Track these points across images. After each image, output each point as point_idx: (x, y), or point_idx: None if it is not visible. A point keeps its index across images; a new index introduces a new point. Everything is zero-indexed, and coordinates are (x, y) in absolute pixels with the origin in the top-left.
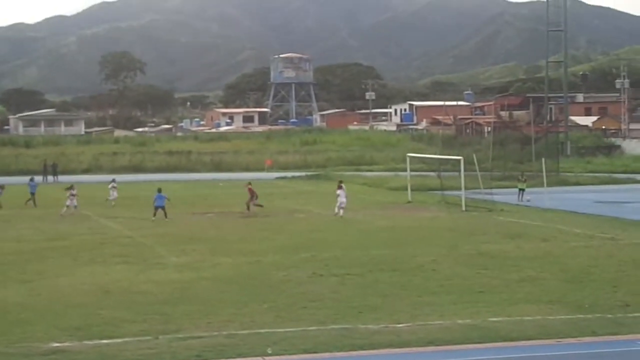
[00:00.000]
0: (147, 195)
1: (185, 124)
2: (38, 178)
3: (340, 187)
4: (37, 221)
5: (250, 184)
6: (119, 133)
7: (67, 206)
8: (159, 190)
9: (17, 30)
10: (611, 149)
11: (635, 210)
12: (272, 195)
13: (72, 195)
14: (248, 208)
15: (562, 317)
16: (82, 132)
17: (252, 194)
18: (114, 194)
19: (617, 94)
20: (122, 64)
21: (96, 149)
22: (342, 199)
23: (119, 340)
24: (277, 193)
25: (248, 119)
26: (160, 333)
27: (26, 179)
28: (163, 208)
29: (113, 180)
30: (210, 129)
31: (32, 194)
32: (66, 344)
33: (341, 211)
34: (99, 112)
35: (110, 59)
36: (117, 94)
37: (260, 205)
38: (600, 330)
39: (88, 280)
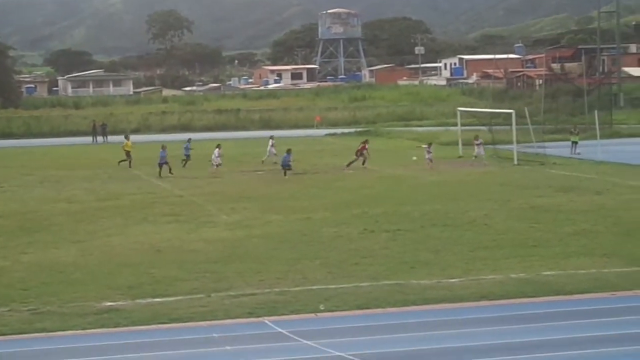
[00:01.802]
0: (199, 154)
1: (233, 82)
2: (87, 139)
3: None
4: (87, 182)
5: (367, 141)
6: (167, 92)
7: (217, 165)
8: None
9: None
10: None
11: None
12: (321, 152)
13: (219, 153)
14: (363, 163)
15: (617, 270)
16: (131, 92)
17: (362, 152)
18: (273, 151)
19: None
20: (169, 23)
21: (145, 108)
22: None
23: (171, 298)
24: (326, 150)
25: (296, 76)
26: (212, 291)
27: (76, 139)
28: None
29: (271, 137)
30: (258, 87)
31: (187, 155)
32: (119, 302)
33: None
34: (147, 72)
35: (157, 18)
36: (165, 53)
37: (362, 163)
38: None
39: (139, 240)
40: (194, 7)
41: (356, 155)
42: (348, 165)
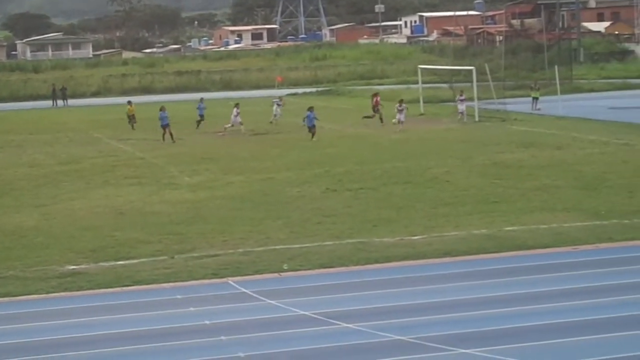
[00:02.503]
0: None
1: (193, 43)
2: (47, 102)
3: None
4: (47, 146)
5: (377, 94)
6: (127, 55)
7: (234, 124)
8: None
9: None
10: (625, 55)
11: None
12: (283, 112)
13: (237, 113)
14: (381, 119)
15: (578, 224)
16: (90, 55)
17: (377, 107)
18: (278, 111)
19: None
20: None
21: (105, 71)
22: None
23: (135, 260)
24: (288, 110)
25: (257, 36)
26: (175, 253)
27: (36, 103)
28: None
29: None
30: (218, 48)
31: (201, 115)
32: (82, 266)
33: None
34: (106, 34)
35: None
36: (124, 15)
37: (369, 117)
38: (617, 235)
39: (102, 203)
40: None
41: (374, 110)
42: (365, 117)
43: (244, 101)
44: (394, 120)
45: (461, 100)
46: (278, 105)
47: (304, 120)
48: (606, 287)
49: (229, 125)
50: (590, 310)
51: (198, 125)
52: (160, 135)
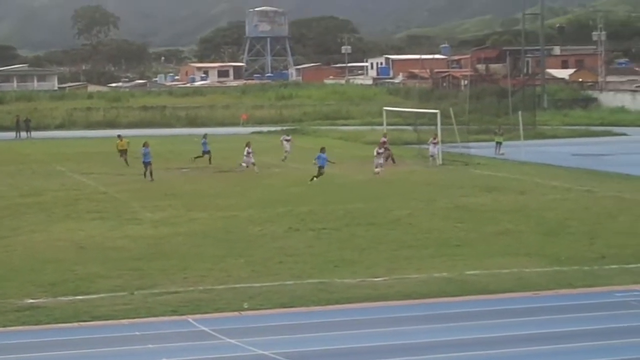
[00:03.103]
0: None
1: (159, 78)
2: (10, 134)
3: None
4: (10, 177)
5: (385, 135)
6: (92, 88)
7: (248, 164)
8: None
9: None
10: (588, 102)
11: (612, 163)
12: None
13: (249, 153)
14: (392, 159)
15: (539, 269)
16: (56, 88)
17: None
18: (288, 147)
19: (594, 47)
20: (95, 19)
21: (70, 104)
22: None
23: (94, 295)
24: (253, 148)
25: (223, 73)
26: (135, 288)
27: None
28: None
29: (287, 134)
30: (185, 84)
31: (208, 151)
32: (41, 300)
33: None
34: (72, 67)
35: (83, 13)
36: (91, 49)
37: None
38: (577, 282)
39: (63, 237)
40: (121, 3)
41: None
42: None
43: (209, 139)
44: (376, 170)
45: (434, 144)
46: (287, 141)
47: (315, 160)
48: (565, 333)
49: (244, 165)
50: (548, 357)
51: (210, 161)
52: (142, 172)
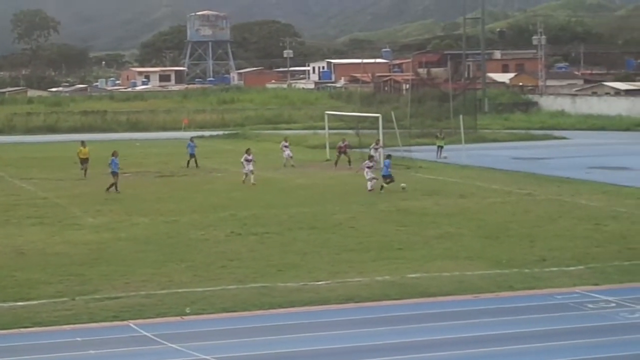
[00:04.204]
0: (62, 156)
1: (100, 83)
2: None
3: None
4: None
5: (344, 140)
6: (32, 93)
7: (247, 173)
8: (114, 154)
9: None
10: (528, 106)
11: (552, 166)
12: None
13: (248, 160)
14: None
15: (480, 272)
16: None
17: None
18: (288, 153)
19: (534, 51)
20: (35, 23)
21: (9, 109)
22: None
23: (35, 302)
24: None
25: (165, 78)
26: (76, 294)
27: None
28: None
29: (285, 140)
30: (125, 89)
31: (191, 155)
32: None
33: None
34: (12, 72)
35: (23, 18)
36: (31, 53)
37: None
38: (518, 284)
39: (2, 242)
40: (61, 7)
41: (343, 153)
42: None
43: (150, 143)
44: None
45: (375, 149)
46: (286, 147)
47: (382, 169)
48: (506, 335)
49: (247, 172)
50: (489, 359)
51: (196, 164)
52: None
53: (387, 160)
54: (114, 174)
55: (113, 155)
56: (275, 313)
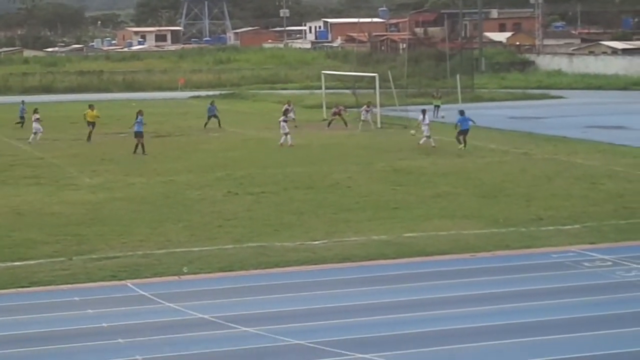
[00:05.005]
0: (58, 116)
1: (96, 43)
2: None
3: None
4: None
5: (338, 106)
6: (28, 53)
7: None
8: (140, 113)
9: None
10: (525, 65)
11: (548, 126)
12: (185, 114)
13: (285, 120)
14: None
15: (477, 231)
16: None
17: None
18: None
19: (531, 10)
20: None
21: (5, 69)
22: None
23: (32, 262)
24: (191, 112)
25: (161, 37)
26: (74, 254)
27: None
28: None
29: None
30: (121, 49)
31: (212, 116)
32: None
33: None
34: (7, 32)
35: None
36: (26, 13)
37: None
38: (514, 243)
39: None
40: None
41: (338, 115)
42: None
43: (146, 103)
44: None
45: (366, 110)
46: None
47: (456, 124)
48: (502, 294)
49: (286, 132)
50: (487, 317)
51: (219, 124)
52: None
53: (462, 117)
54: (138, 134)
55: (139, 113)
56: (272, 272)
